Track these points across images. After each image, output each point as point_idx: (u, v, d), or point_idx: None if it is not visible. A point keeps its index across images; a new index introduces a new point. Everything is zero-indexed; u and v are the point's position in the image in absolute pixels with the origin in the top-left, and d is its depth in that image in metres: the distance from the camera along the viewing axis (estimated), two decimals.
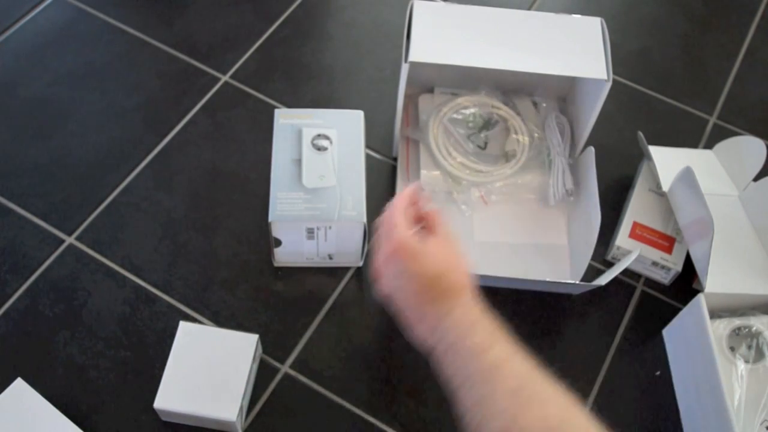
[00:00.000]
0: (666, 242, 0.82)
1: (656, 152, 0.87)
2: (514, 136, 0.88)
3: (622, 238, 0.82)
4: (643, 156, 0.91)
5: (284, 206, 0.75)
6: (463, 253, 0.63)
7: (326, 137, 0.80)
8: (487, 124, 0.89)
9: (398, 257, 0.61)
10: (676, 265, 0.81)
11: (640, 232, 0.83)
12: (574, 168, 0.88)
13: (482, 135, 0.88)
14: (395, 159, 0.90)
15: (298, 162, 0.79)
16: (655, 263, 0.81)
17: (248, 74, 0.98)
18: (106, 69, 0.97)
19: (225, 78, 0.97)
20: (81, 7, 1.03)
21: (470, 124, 0.88)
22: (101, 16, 1.02)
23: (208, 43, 1.00)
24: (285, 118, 0.82)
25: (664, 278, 0.83)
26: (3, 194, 0.86)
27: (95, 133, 0.91)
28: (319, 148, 0.79)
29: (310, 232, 0.77)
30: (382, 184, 0.88)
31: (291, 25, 1.03)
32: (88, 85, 0.95)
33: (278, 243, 0.78)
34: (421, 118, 0.90)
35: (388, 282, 0.63)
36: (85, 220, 0.84)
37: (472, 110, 0.89)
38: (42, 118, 0.92)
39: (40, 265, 0.81)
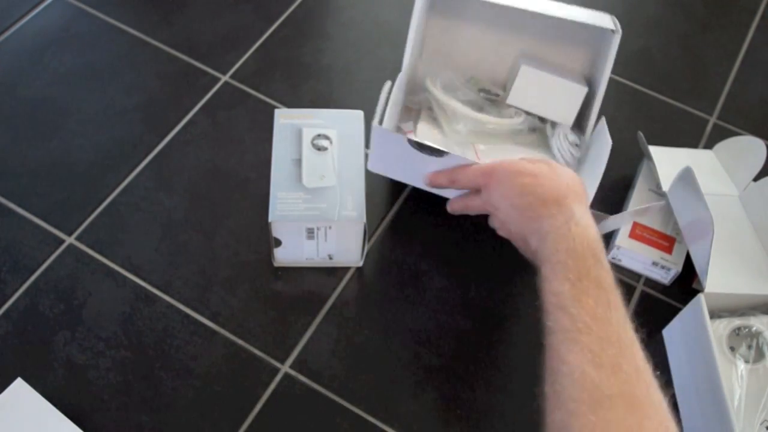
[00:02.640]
0: (666, 242, 0.82)
1: (656, 152, 0.87)
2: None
3: (623, 238, 0.82)
4: (643, 156, 0.91)
5: (284, 206, 0.75)
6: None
7: (326, 137, 0.80)
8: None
9: (514, 175, 0.65)
10: (677, 265, 0.81)
11: (640, 232, 0.83)
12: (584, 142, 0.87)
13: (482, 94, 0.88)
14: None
15: (298, 162, 0.79)
16: (655, 263, 0.81)
17: (248, 74, 0.98)
18: (106, 69, 0.97)
19: (225, 78, 0.97)
20: (81, 7, 1.03)
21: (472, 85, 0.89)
22: (101, 16, 1.02)
23: (208, 43, 1.00)
24: (285, 118, 0.82)
25: (664, 278, 0.83)
26: (3, 194, 0.86)
27: (95, 133, 0.91)
28: (319, 148, 0.79)
29: (310, 232, 0.77)
30: (382, 185, 0.88)
31: (291, 25, 1.03)
32: (88, 85, 0.95)
33: (278, 243, 0.78)
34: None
35: (503, 208, 0.67)
36: (85, 220, 0.84)
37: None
38: (42, 118, 0.92)
39: (40, 265, 0.81)
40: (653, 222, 0.84)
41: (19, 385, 0.70)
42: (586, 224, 0.59)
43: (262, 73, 0.98)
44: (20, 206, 0.85)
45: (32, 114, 0.92)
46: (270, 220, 0.75)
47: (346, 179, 0.78)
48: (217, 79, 0.97)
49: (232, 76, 0.98)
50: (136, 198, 0.86)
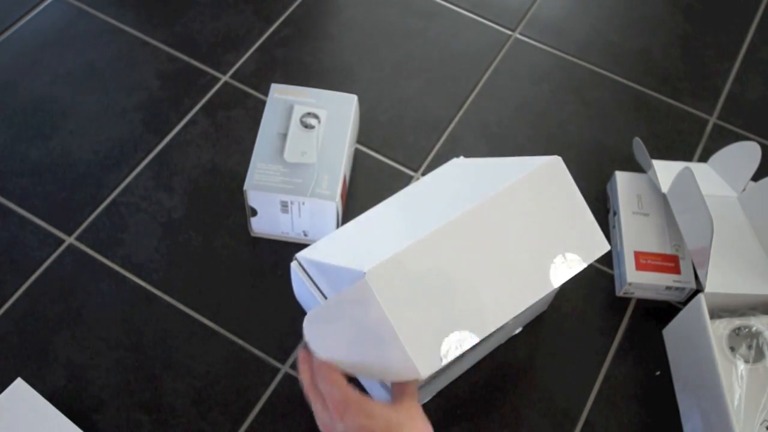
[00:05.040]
0: (672, 263, 0.80)
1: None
2: None
3: (631, 273, 0.80)
4: (608, 177, 0.89)
5: (261, 176, 0.78)
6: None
7: (315, 116, 0.83)
8: None
9: (354, 414, 0.56)
10: (689, 283, 0.79)
11: (644, 261, 0.80)
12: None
13: None
14: None
15: (284, 136, 0.81)
16: (668, 287, 0.80)
17: (248, 74, 0.98)
18: (106, 69, 0.97)
19: (225, 78, 0.97)
20: (81, 7, 1.03)
21: None
22: (101, 16, 1.02)
23: (208, 43, 1.00)
24: (279, 93, 0.85)
25: (680, 297, 0.82)
26: (3, 194, 0.86)
27: (95, 133, 0.91)
28: (307, 126, 0.82)
29: (284, 206, 0.78)
30: (378, 184, 0.88)
31: (291, 25, 1.03)
32: (88, 85, 0.95)
33: (254, 212, 0.80)
34: None
35: None
36: (85, 220, 0.84)
37: None
38: (42, 118, 0.92)
39: (40, 265, 0.81)
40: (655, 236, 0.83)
41: (19, 385, 0.70)
42: None
43: (262, 73, 0.98)
44: (20, 206, 0.85)
45: (32, 114, 0.92)
46: (245, 188, 0.77)
47: (327, 159, 0.80)
48: (217, 79, 0.97)
49: (232, 76, 0.98)
50: (136, 198, 0.86)
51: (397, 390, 0.59)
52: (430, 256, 0.59)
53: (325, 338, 0.60)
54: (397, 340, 0.55)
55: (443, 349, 0.57)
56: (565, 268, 0.63)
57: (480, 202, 0.61)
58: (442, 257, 0.59)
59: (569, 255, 0.63)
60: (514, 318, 0.61)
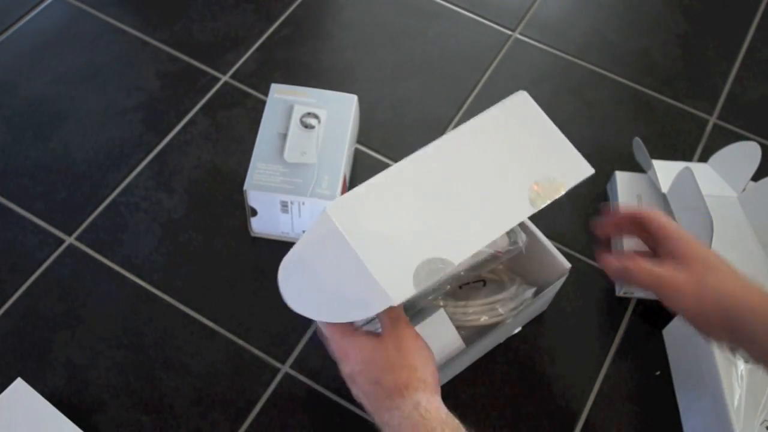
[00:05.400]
0: None
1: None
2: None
3: None
4: (609, 177, 0.89)
5: (261, 176, 0.78)
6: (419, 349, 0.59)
7: (315, 116, 0.82)
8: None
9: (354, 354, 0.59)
10: None
11: None
12: None
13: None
14: None
15: (284, 136, 0.81)
16: None
17: (248, 74, 0.98)
18: (106, 69, 0.97)
19: (225, 78, 0.97)
20: (81, 7, 1.03)
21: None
22: (101, 16, 1.02)
23: (208, 43, 1.00)
24: (279, 93, 0.85)
25: None
26: (3, 194, 0.86)
27: (95, 133, 0.91)
28: (307, 126, 0.81)
29: (284, 206, 0.78)
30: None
31: (291, 25, 1.03)
32: (88, 85, 0.95)
33: (254, 212, 0.80)
34: None
35: (350, 369, 0.60)
36: (85, 220, 0.84)
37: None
38: (42, 118, 0.92)
39: (40, 265, 0.81)
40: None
41: (19, 385, 0.70)
42: (436, 407, 0.57)
43: (262, 73, 0.98)
44: (20, 206, 0.85)
45: (32, 114, 0.92)
46: (245, 188, 0.77)
47: (327, 159, 0.79)
48: (217, 79, 0.97)
49: (232, 76, 0.98)
50: (136, 198, 0.86)
51: (387, 322, 0.59)
52: (396, 188, 0.56)
53: (300, 291, 0.59)
54: (365, 271, 0.53)
55: (416, 275, 0.54)
56: (548, 191, 0.60)
57: (448, 134, 0.59)
58: (410, 188, 0.57)
59: (551, 178, 0.60)
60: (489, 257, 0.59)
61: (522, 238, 0.72)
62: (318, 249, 0.57)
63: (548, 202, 0.59)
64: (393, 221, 0.55)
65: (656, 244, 0.63)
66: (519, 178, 0.59)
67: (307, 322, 0.78)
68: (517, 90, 0.65)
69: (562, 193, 0.60)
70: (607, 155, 0.93)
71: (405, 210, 0.56)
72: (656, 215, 0.63)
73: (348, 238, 0.53)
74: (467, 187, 0.58)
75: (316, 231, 0.56)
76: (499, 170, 0.59)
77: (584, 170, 0.62)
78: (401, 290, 0.53)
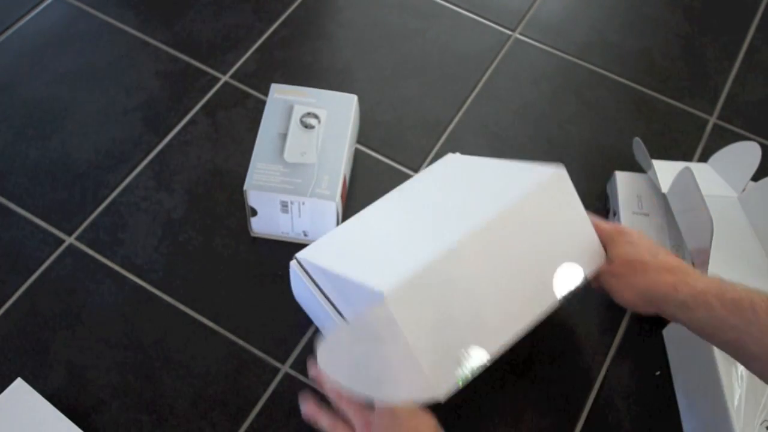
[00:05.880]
0: None
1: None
2: None
3: None
4: (608, 177, 0.89)
5: (261, 176, 0.78)
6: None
7: (315, 116, 0.83)
8: None
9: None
10: None
11: None
12: None
13: None
14: None
15: (284, 136, 0.81)
16: None
17: (248, 74, 0.98)
18: (106, 69, 0.97)
19: (225, 78, 0.97)
20: (81, 7, 1.03)
21: None
22: (101, 16, 1.02)
23: (208, 43, 1.00)
24: (279, 93, 0.85)
25: None
26: (3, 194, 0.86)
27: (95, 133, 0.91)
28: (307, 126, 0.82)
29: (284, 206, 0.78)
30: (378, 184, 0.88)
31: (291, 25, 1.03)
32: (88, 85, 0.95)
33: (254, 213, 0.80)
34: None
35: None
36: (85, 220, 0.84)
37: None
38: (42, 118, 0.92)
39: (40, 265, 0.81)
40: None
41: (19, 385, 0.70)
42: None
43: (262, 73, 0.98)
44: (20, 206, 0.85)
45: (32, 114, 0.92)
46: (245, 188, 0.77)
47: (327, 159, 0.80)
48: (217, 79, 0.97)
49: (232, 76, 0.98)
50: (136, 198, 0.86)
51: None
52: (443, 276, 0.59)
53: (339, 363, 0.61)
54: (416, 363, 0.56)
55: (457, 368, 0.58)
56: (566, 280, 0.64)
57: (489, 219, 0.62)
58: (454, 277, 0.60)
59: (570, 267, 0.65)
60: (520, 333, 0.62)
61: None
62: (368, 333, 0.59)
63: (568, 291, 0.65)
64: (440, 313, 0.58)
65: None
66: (547, 266, 0.64)
67: (307, 323, 0.78)
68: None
69: (578, 283, 0.66)
70: (607, 155, 0.93)
71: (451, 300, 0.59)
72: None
73: (404, 330, 0.56)
74: (504, 275, 0.62)
75: (370, 317, 0.58)
76: (533, 257, 0.64)
77: (599, 258, 0.68)
78: (446, 386, 0.57)
